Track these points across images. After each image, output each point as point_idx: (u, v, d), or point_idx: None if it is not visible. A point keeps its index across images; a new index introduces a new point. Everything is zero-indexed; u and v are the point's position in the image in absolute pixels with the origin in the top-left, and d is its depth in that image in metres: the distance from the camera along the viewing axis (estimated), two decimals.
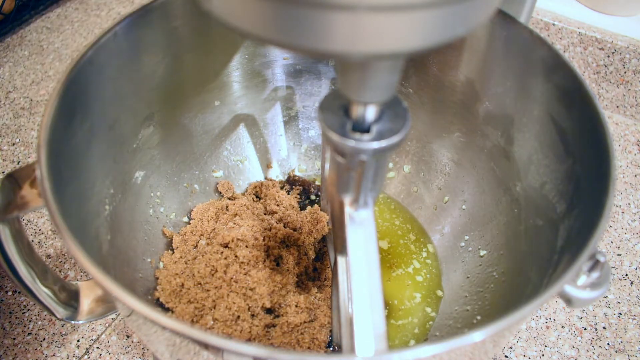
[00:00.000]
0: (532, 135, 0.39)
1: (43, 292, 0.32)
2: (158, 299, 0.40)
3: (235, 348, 0.21)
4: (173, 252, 0.43)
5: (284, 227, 0.45)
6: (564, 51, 0.62)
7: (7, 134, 0.56)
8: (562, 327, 0.44)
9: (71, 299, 0.34)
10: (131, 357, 0.41)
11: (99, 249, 0.33)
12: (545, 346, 0.43)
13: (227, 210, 0.46)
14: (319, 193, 0.50)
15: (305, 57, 0.48)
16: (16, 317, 0.43)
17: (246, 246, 0.42)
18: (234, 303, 0.39)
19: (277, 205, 0.47)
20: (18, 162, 0.54)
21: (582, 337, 0.44)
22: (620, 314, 0.45)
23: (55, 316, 0.33)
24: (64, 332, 0.42)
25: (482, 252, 0.44)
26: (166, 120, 0.43)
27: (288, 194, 0.50)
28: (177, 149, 0.46)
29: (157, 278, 0.41)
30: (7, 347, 0.41)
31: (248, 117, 0.50)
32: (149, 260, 0.42)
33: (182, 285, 0.40)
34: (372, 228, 0.28)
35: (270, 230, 0.43)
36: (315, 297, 0.41)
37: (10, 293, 0.44)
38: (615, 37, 0.59)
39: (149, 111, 0.41)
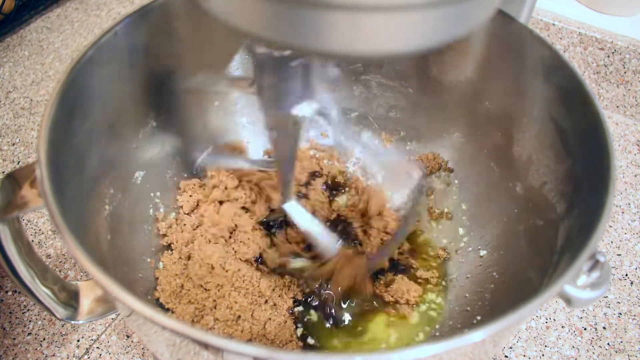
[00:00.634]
0: (532, 135, 0.39)
1: (43, 292, 0.32)
2: (158, 299, 0.40)
3: (235, 348, 0.21)
4: (172, 252, 0.43)
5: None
6: (564, 51, 0.62)
7: (7, 134, 0.56)
8: (562, 327, 0.44)
9: (71, 299, 0.34)
10: (131, 357, 0.41)
11: (99, 249, 0.33)
12: (545, 346, 0.43)
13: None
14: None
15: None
16: (16, 317, 0.43)
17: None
18: (236, 302, 0.39)
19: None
20: (18, 162, 0.54)
21: (582, 337, 0.44)
22: (620, 314, 0.45)
23: (55, 316, 0.33)
24: (64, 332, 0.42)
25: (482, 252, 0.44)
26: (166, 120, 0.43)
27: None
28: (177, 148, 0.46)
29: (157, 278, 0.41)
30: (7, 347, 0.41)
31: (248, 117, 0.50)
32: (149, 260, 0.42)
33: (182, 286, 0.40)
34: None
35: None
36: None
37: (10, 293, 0.44)
38: (615, 37, 0.59)
39: (149, 111, 0.41)
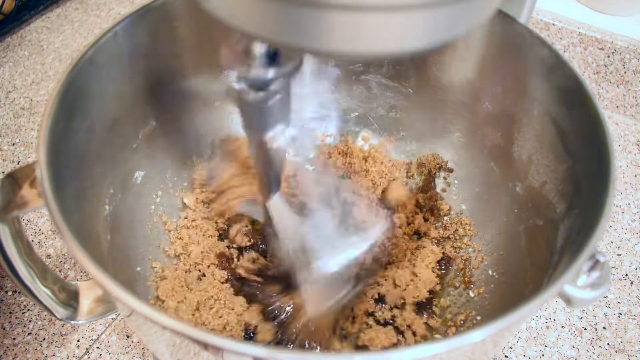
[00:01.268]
0: (532, 135, 0.39)
1: (43, 292, 0.32)
2: (158, 297, 0.40)
3: (235, 348, 0.21)
4: (172, 252, 0.43)
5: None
6: (564, 51, 0.62)
7: (7, 134, 0.56)
8: (562, 327, 0.44)
9: (71, 299, 0.35)
10: (131, 357, 0.41)
11: (99, 249, 0.33)
12: (545, 346, 0.43)
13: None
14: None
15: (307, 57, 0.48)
16: (16, 317, 0.43)
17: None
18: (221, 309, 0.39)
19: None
20: (18, 162, 0.54)
21: (582, 337, 0.44)
22: (620, 314, 0.45)
23: (55, 316, 0.33)
24: (64, 332, 0.42)
25: (482, 252, 0.44)
26: (166, 120, 0.43)
27: None
28: (177, 149, 0.46)
29: (158, 279, 0.41)
30: (7, 347, 0.41)
31: None
32: (148, 260, 0.42)
33: (182, 285, 0.41)
34: None
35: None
36: None
37: (10, 293, 0.44)
38: (615, 37, 0.59)
39: (149, 111, 0.41)
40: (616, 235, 0.51)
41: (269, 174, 0.34)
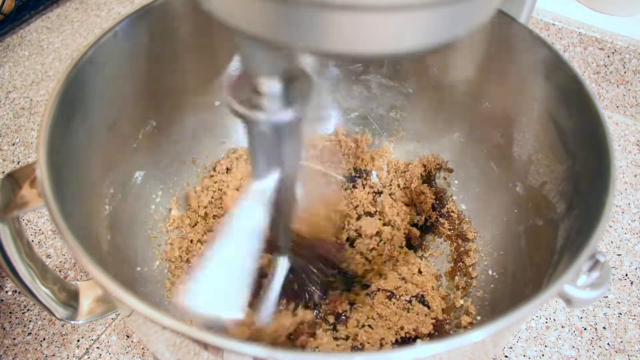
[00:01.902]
0: (532, 135, 0.39)
1: (43, 292, 0.32)
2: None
3: (235, 348, 0.21)
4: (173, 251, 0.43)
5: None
6: (564, 51, 0.62)
7: (7, 134, 0.56)
8: (562, 327, 0.44)
9: (71, 299, 0.35)
10: (131, 357, 0.41)
11: (99, 249, 0.33)
12: (545, 346, 0.43)
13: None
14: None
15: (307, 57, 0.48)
16: (16, 317, 0.43)
17: None
18: None
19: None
20: (18, 162, 0.54)
21: (582, 337, 0.44)
22: (620, 314, 0.45)
23: (55, 316, 0.33)
24: (64, 332, 0.42)
25: (482, 253, 0.44)
26: (166, 120, 0.43)
27: None
28: (177, 148, 0.46)
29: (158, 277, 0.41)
30: (7, 347, 0.41)
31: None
32: (149, 259, 0.42)
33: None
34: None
35: None
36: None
37: (10, 293, 0.44)
38: (615, 37, 0.59)
39: (149, 111, 0.41)
40: (616, 235, 0.51)
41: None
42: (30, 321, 0.43)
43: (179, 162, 0.46)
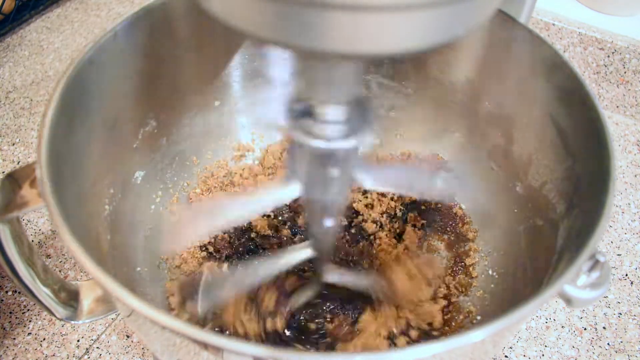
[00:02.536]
0: (532, 135, 0.39)
1: (43, 292, 0.32)
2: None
3: (236, 348, 0.21)
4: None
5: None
6: (564, 51, 0.62)
7: (7, 134, 0.56)
8: (562, 327, 0.44)
9: (71, 299, 0.34)
10: (131, 357, 0.41)
11: (99, 249, 0.33)
12: (545, 346, 0.43)
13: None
14: None
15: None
16: (16, 317, 0.43)
17: None
18: None
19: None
20: (18, 162, 0.54)
21: (582, 337, 0.44)
22: (620, 314, 0.45)
23: (55, 316, 0.33)
24: (64, 332, 0.42)
25: (483, 253, 0.44)
26: (166, 120, 0.43)
27: None
28: (177, 148, 0.46)
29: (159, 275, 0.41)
30: (7, 347, 0.41)
31: (249, 117, 0.50)
32: (149, 260, 0.42)
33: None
34: None
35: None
36: None
37: (10, 293, 0.44)
38: (615, 37, 0.59)
39: (149, 111, 0.41)
40: (616, 235, 0.51)
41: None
42: (30, 321, 0.43)
43: (179, 162, 0.46)
